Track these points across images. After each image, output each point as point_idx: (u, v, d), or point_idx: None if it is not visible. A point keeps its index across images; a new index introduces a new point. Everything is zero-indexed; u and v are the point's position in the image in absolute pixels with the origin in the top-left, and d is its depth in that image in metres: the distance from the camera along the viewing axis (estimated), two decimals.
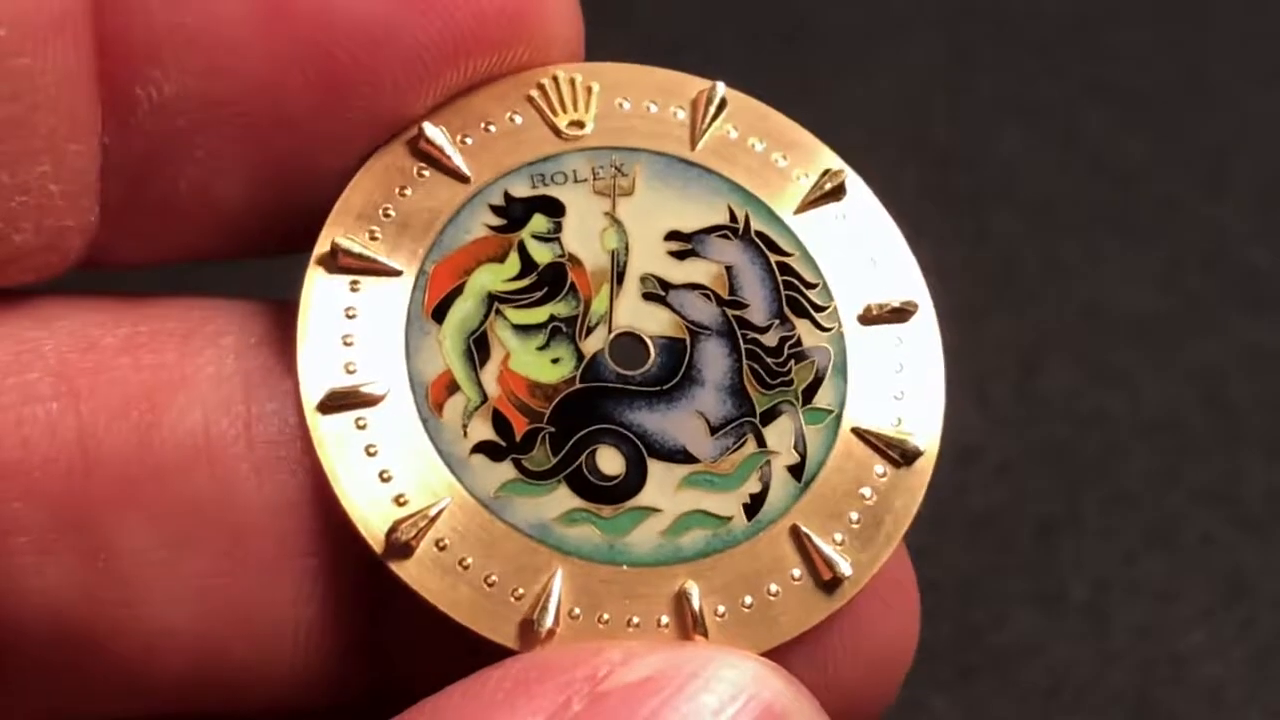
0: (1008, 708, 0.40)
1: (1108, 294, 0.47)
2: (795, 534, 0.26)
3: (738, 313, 0.27)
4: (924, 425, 0.27)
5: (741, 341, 0.27)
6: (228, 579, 0.26)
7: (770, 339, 0.27)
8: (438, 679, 0.25)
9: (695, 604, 0.26)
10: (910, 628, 0.28)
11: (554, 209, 0.27)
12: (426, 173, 0.27)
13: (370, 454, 0.26)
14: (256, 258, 0.28)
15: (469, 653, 0.25)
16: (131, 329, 0.26)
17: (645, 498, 0.26)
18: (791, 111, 0.29)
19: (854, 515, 0.27)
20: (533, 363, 0.27)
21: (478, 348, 0.27)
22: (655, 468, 0.26)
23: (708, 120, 0.28)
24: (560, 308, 0.27)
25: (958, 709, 0.40)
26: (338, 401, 0.26)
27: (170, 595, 0.26)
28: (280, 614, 0.26)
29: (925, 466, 0.27)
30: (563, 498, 0.26)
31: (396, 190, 0.27)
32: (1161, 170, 0.49)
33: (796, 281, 0.28)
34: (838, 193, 0.28)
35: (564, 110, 0.28)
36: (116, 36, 0.25)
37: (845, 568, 0.26)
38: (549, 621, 0.25)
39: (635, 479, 0.26)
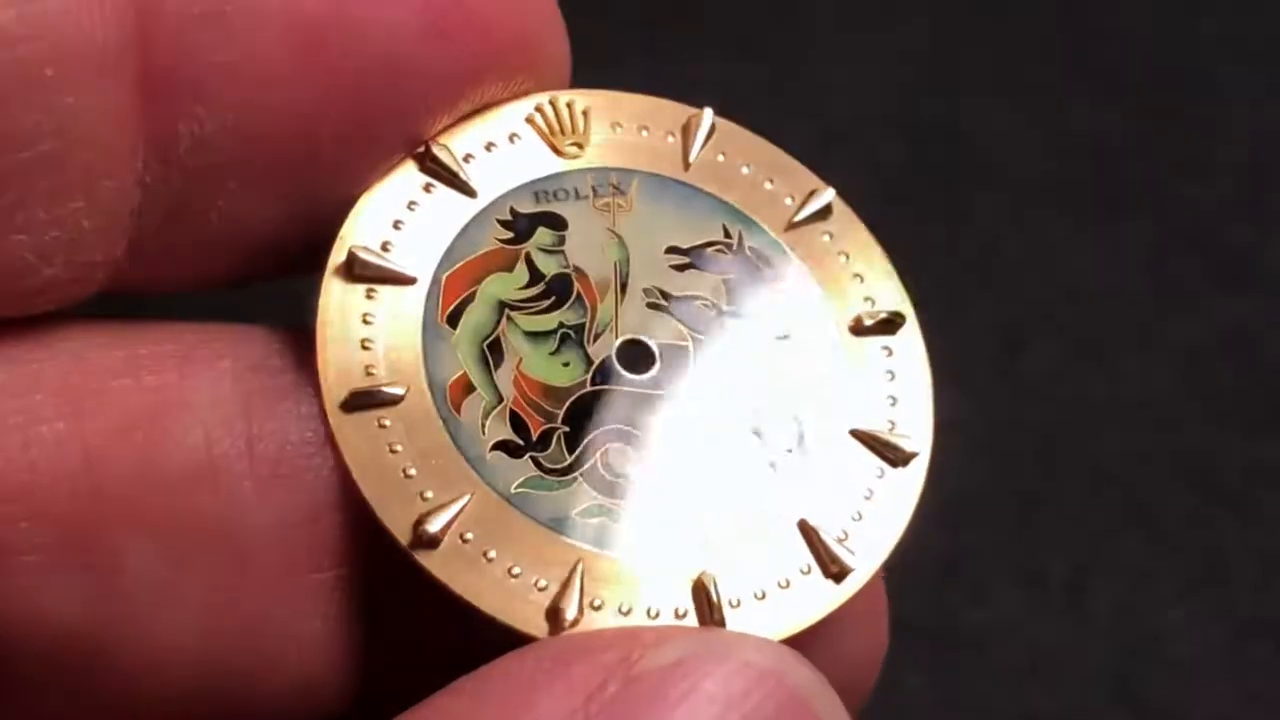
0: (985, 687, 0.40)
1: (1089, 274, 0.47)
2: (804, 528, 0.27)
3: (737, 321, 0.28)
4: (917, 429, 0.28)
5: (741, 348, 0.28)
6: (230, 595, 0.26)
7: (768, 346, 0.28)
8: (439, 687, 0.25)
9: (713, 594, 0.26)
10: (881, 633, 0.29)
11: (557, 223, 0.28)
12: (435, 188, 0.28)
13: (393, 451, 0.26)
14: (269, 280, 0.28)
15: (474, 657, 0.26)
16: (131, 351, 0.26)
17: (658, 494, 0.27)
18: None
19: (855, 513, 0.27)
20: (545, 366, 0.27)
21: (491, 352, 0.27)
22: (665, 466, 0.27)
23: (698, 144, 0.29)
24: (569, 315, 0.28)
25: (934, 688, 0.40)
26: (360, 401, 0.27)
27: (173, 611, 0.26)
28: (282, 629, 0.26)
29: (920, 468, 0.28)
30: (580, 493, 0.27)
31: (406, 205, 0.28)
32: (1144, 151, 0.49)
33: (790, 293, 0.28)
34: (824, 213, 0.29)
35: (562, 132, 0.29)
36: (163, 74, 0.25)
37: (852, 561, 0.27)
38: (573, 611, 0.26)
39: (647, 476, 0.27)
